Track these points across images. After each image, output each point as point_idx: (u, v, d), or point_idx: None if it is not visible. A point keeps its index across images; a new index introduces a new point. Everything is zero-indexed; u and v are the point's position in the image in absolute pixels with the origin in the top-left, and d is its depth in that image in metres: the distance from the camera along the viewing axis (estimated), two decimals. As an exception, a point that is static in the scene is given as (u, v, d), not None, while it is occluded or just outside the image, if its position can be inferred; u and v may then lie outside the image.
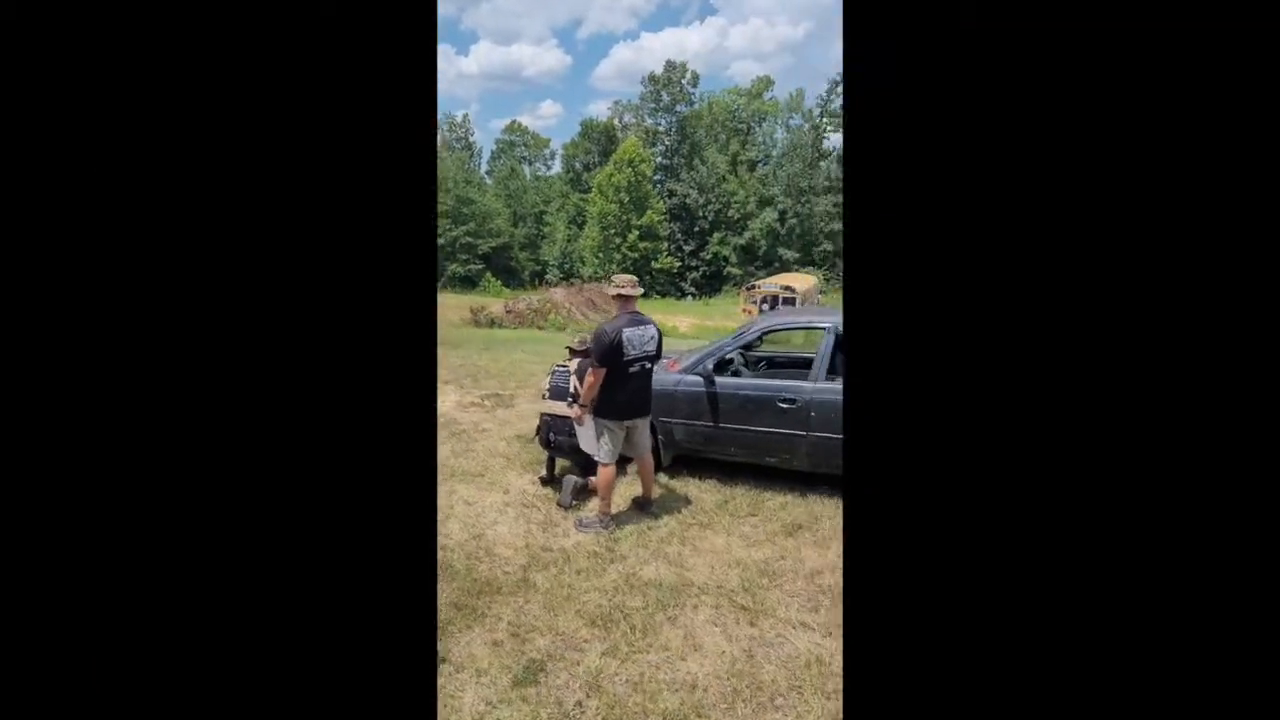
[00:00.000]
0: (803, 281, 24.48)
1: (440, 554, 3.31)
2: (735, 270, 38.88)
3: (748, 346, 4.41)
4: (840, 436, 3.80)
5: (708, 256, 39.76)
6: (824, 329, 4.14)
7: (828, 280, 33.83)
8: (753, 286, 24.13)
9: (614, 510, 3.73)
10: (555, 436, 4.08)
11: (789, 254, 37.96)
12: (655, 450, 4.34)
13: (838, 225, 38.64)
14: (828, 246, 38.55)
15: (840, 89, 40.65)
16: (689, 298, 36.79)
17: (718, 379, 4.18)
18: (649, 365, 3.57)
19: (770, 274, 31.81)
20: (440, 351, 7.94)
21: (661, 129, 43.52)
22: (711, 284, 39.46)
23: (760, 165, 42.82)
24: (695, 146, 41.91)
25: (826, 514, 3.79)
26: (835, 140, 41.75)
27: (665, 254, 37.59)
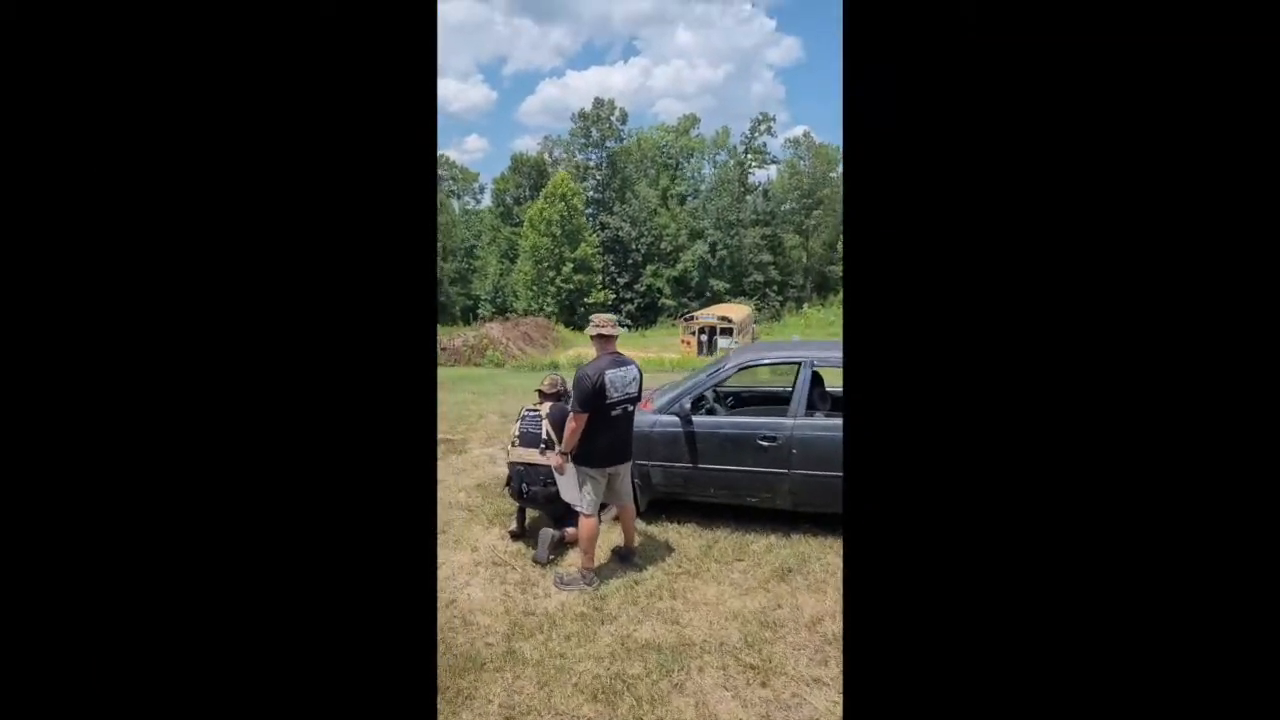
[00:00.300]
0: (738, 311, 24.94)
1: (410, 627, 2.98)
2: (669, 302, 39.34)
3: (721, 383, 4.30)
4: (823, 474, 3.73)
5: (641, 289, 40.09)
6: (799, 363, 4.09)
7: (759, 310, 34.72)
8: (691, 317, 24.36)
9: (594, 563, 3.50)
10: (529, 487, 3.81)
11: (720, 285, 38.80)
12: (632, 494, 4.14)
13: (766, 256, 39.95)
14: (757, 277, 39.69)
15: (764, 126, 42.48)
16: (624, 329, 36.88)
17: (694, 418, 4.04)
18: (631, 408, 3.41)
19: (703, 305, 32.35)
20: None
21: (592, 164, 43.98)
22: (646, 315, 39.73)
23: (689, 199, 43.85)
24: (626, 181, 42.51)
25: (814, 555, 3.68)
26: (760, 176, 43.42)
27: (600, 287, 37.62)
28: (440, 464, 5.77)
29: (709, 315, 23.99)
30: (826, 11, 65.33)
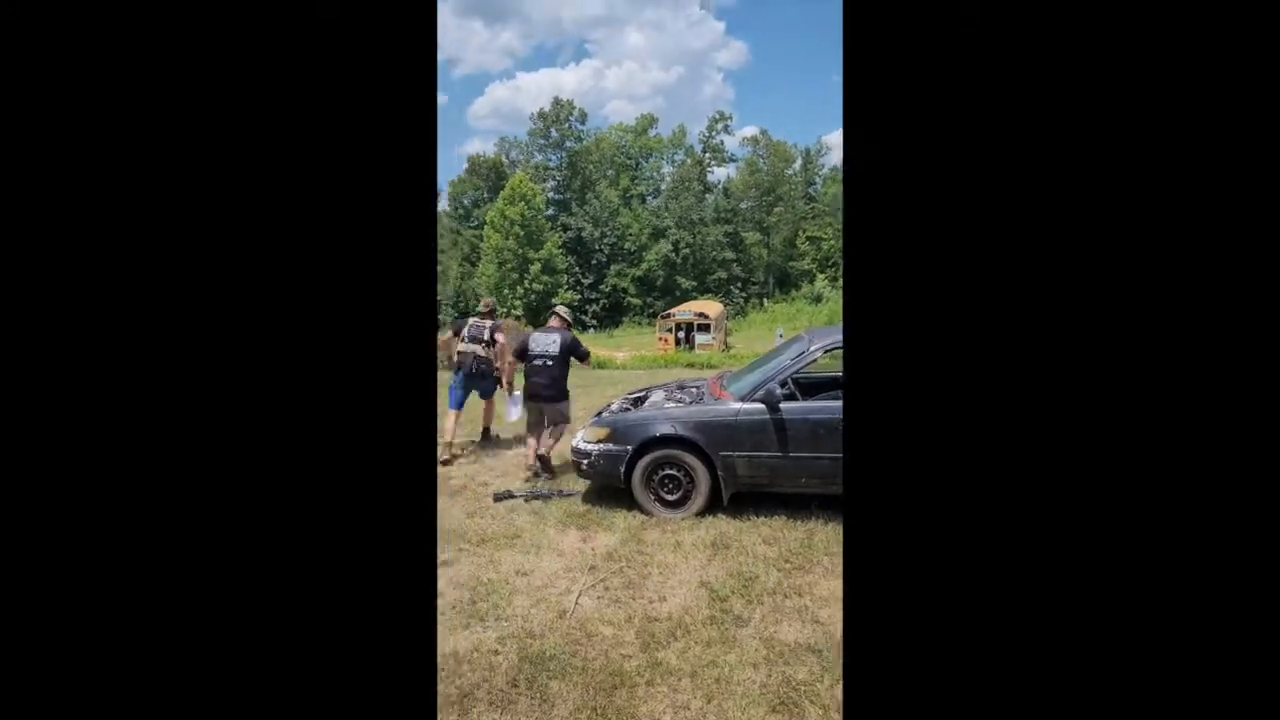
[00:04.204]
0: (712, 308, 24.88)
1: (530, 641, 2.68)
2: (635, 301, 39.15)
3: (806, 367, 4.10)
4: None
5: (606, 289, 39.76)
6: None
7: (726, 306, 34.91)
8: (667, 315, 24.16)
9: (699, 577, 3.24)
10: (478, 365, 5.66)
11: (686, 282, 38.81)
12: (715, 487, 3.93)
13: (729, 254, 40.19)
14: (721, 274, 39.87)
15: (721, 125, 42.78)
16: (590, 330, 36.44)
17: (782, 405, 3.84)
18: (549, 363, 4.86)
19: (670, 304, 32.23)
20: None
21: (552, 165, 43.42)
22: (612, 316, 39.42)
23: (650, 199, 43.76)
24: (587, 181, 42.11)
25: (923, 541, 3.52)
26: (719, 174, 43.68)
27: (565, 287, 37.11)
28: (480, 468, 5.41)
29: (685, 312, 23.86)
30: (773, 16, 66.39)
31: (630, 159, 44.65)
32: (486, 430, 6.24)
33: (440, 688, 2.40)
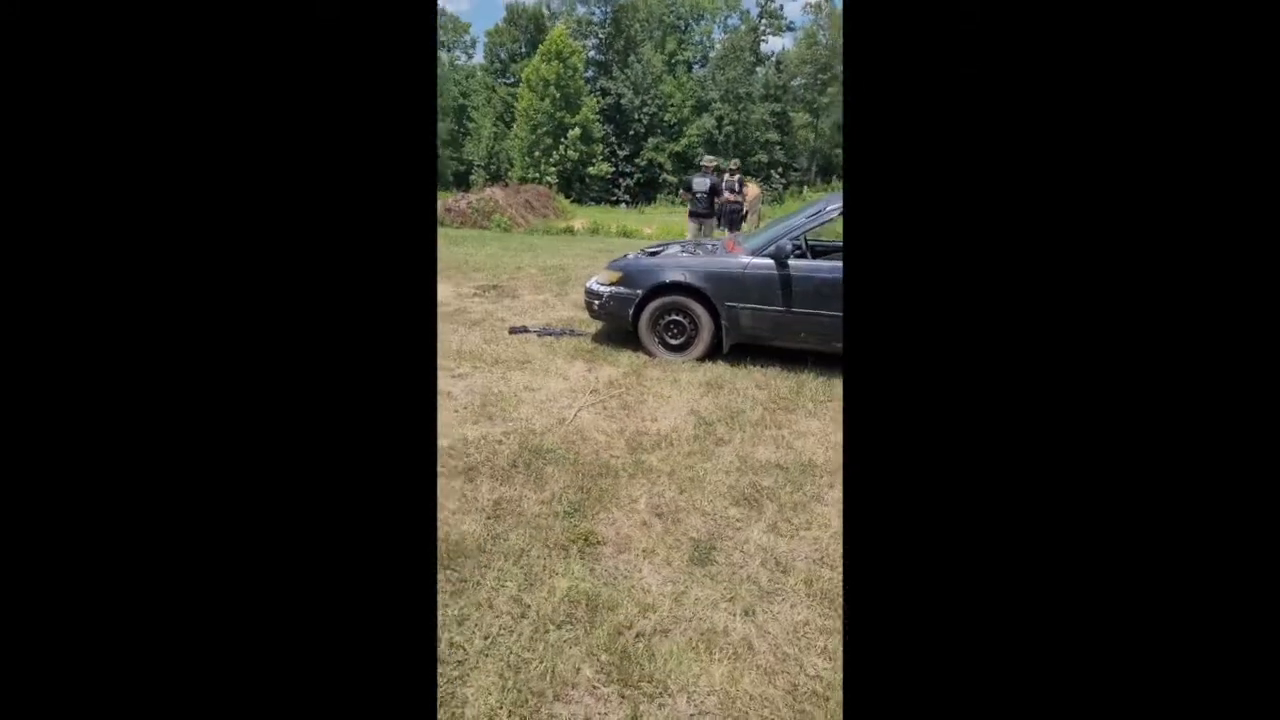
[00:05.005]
0: (750, 190, 24.11)
1: (531, 437, 3.02)
2: (671, 178, 37.91)
3: (822, 226, 4.16)
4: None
5: (642, 163, 38.45)
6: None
7: (763, 190, 33.69)
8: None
9: (690, 407, 3.51)
10: None
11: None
12: (717, 335, 4.14)
13: (774, 135, 38.21)
14: (763, 157, 38.15)
15: (782, -11, 39.02)
16: (622, 205, 35.73)
17: (790, 261, 3.94)
18: None
19: (708, 183, 31.13)
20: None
21: (595, 20, 40.55)
22: (646, 192, 38.40)
23: (697, 67, 41.05)
24: (631, 41, 39.44)
25: (906, 398, 3.74)
26: (773, 44, 40.47)
27: (600, 158, 35.96)
28: (498, 306, 5.67)
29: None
30: None
31: (680, 19, 41.45)
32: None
33: (451, 463, 2.76)
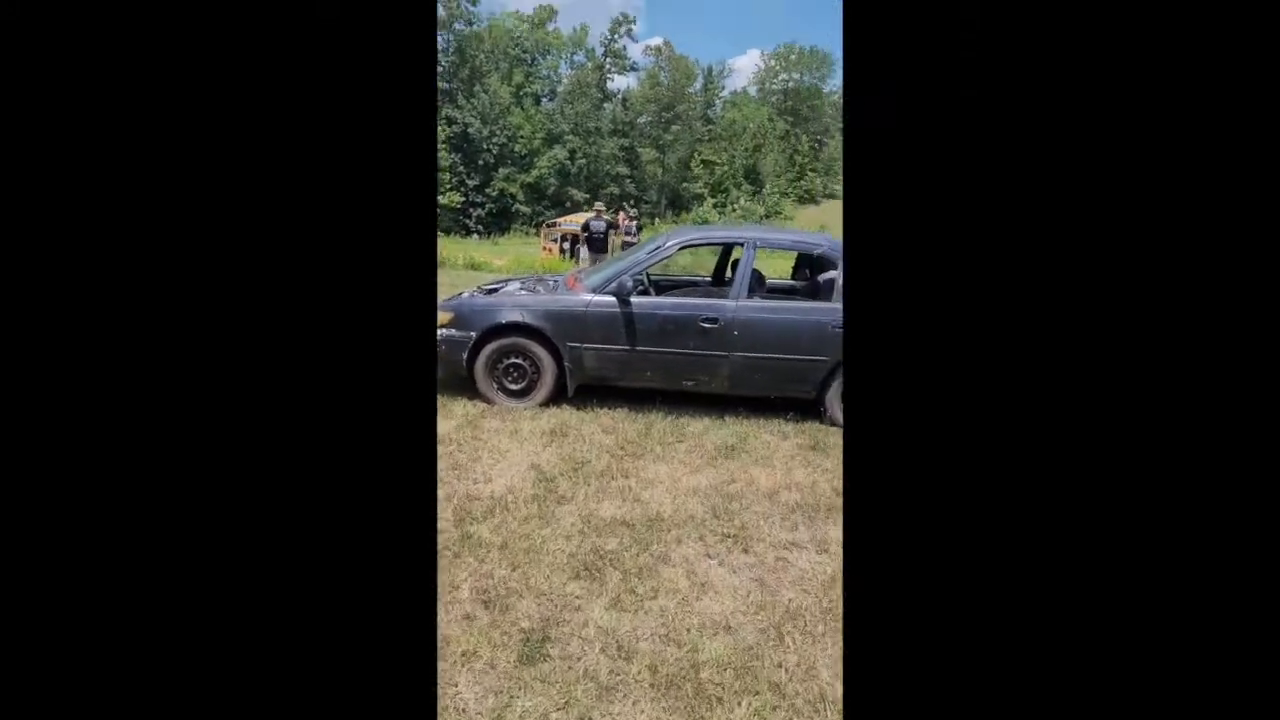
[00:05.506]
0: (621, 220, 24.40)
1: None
2: (524, 209, 37.57)
3: (662, 262, 4.05)
4: (762, 356, 3.72)
5: (493, 193, 37.73)
6: (740, 243, 3.96)
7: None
8: (554, 224, 23.40)
9: (531, 460, 3.21)
10: None
11: (578, 194, 37.66)
12: (561, 379, 3.87)
13: (623, 169, 39.30)
14: (614, 189, 39.00)
15: (624, 29, 40.74)
16: (474, 236, 34.68)
17: (632, 299, 3.79)
18: None
19: (561, 214, 31.23)
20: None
21: (439, 47, 39.59)
22: (499, 222, 37.68)
23: (545, 100, 41.35)
24: (476, 72, 38.88)
25: (752, 434, 3.69)
26: (619, 83, 41.93)
27: (448, 187, 34.78)
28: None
29: (571, 222, 23.23)
30: (691, -86, 62.63)
31: (525, 53, 41.62)
32: None
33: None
